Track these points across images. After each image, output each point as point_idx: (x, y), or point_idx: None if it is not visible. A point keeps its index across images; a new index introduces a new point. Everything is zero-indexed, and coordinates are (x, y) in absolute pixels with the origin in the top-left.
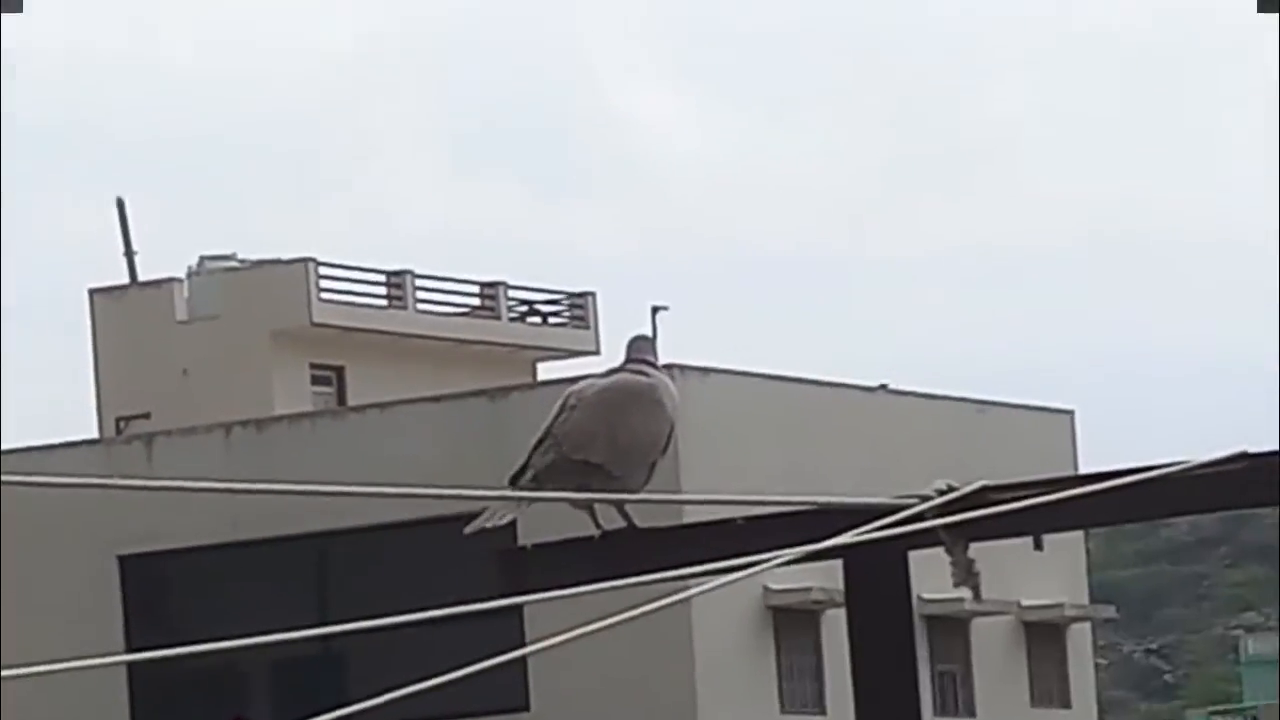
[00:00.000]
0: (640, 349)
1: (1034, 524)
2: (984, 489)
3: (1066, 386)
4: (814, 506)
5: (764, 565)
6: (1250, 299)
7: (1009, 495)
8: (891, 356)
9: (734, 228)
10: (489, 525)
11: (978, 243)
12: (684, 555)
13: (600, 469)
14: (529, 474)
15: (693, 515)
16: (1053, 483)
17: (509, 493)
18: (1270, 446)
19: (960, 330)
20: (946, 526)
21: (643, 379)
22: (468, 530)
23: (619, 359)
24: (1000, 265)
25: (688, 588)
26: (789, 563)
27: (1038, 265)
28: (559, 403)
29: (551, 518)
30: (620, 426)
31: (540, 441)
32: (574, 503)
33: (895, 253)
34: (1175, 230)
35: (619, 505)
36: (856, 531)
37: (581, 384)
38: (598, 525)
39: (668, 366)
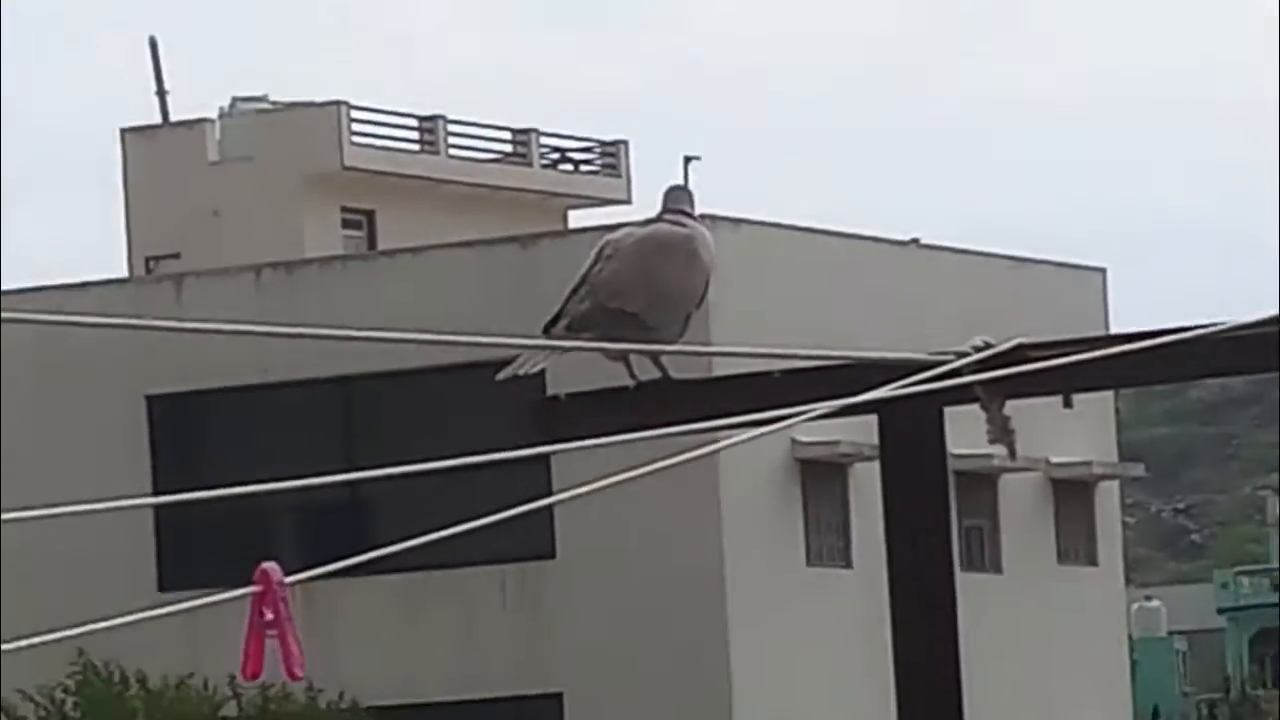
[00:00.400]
0: (677, 199)
1: (1071, 382)
2: (1020, 346)
3: (1099, 244)
4: (850, 361)
5: (800, 418)
6: None
7: (1046, 353)
8: (925, 211)
9: (768, 79)
10: (521, 373)
11: (1013, 99)
12: (719, 407)
13: (635, 318)
14: (564, 321)
15: (723, 368)
16: (1090, 341)
17: (545, 341)
18: None
19: (994, 187)
20: (983, 383)
21: (680, 229)
22: (500, 377)
23: (650, 208)
24: (1036, 121)
25: (717, 440)
26: (824, 416)
27: (1073, 122)
28: (595, 251)
29: (582, 368)
30: (657, 276)
31: (575, 289)
32: (608, 353)
33: (931, 106)
34: (1215, 87)
35: (654, 356)
36: (893, 386)
37: (619, 233)
38: (633, 376)
39: (700, 217)
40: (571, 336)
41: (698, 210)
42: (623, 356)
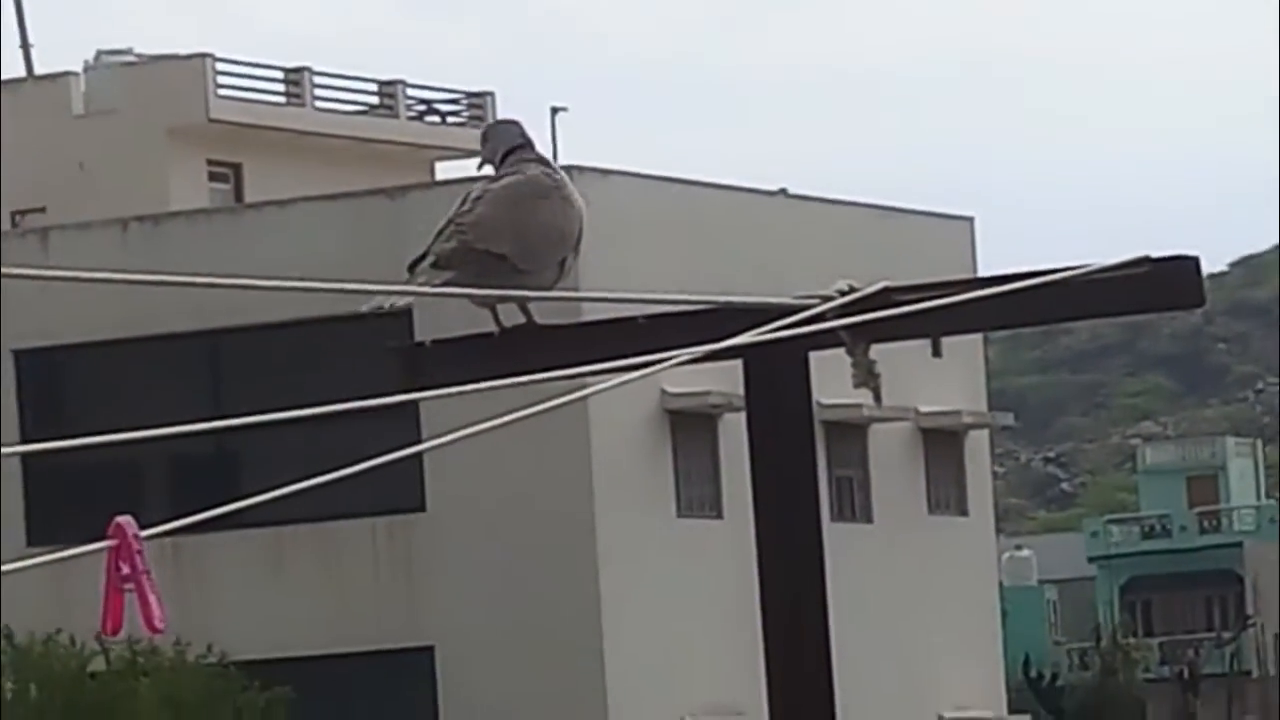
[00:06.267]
0: (514, 138)
1: (937, 325)
2: (886, 290)
3: (965, 194)
4: (715, 306)
5: (665, 364)
6: (1150, 104)
7: (912, 296)
8: (791, 163)
9: (632, 31)
10: (385, 307)
11: (872, 51)
12: (585, 353)
13: (505, 261)
14: (429, 260)
15: (590, 315)
16: (956, 284)
17: (413, 287)
18: (1171, 251)
19: (859, 138)
20: (848, 327)
21: (554, 175)
22: (364, 308)
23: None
24: (893, 75)
25: (585, 386)
26: (689, 361)
27: (933, 76)
28: (462, 197)
29: (447, 311)
30: (529, 219)
31: (441, 230)
32: (475, 299)
33: (795, 59)
34: (1080, 40)
35: (521, 302)
36: (757, 331)
37: (484, 181)
38: (498, 323)
39: (566, 168)
40: (438, 278)
41: (565, 161)
42: (489, 303)
